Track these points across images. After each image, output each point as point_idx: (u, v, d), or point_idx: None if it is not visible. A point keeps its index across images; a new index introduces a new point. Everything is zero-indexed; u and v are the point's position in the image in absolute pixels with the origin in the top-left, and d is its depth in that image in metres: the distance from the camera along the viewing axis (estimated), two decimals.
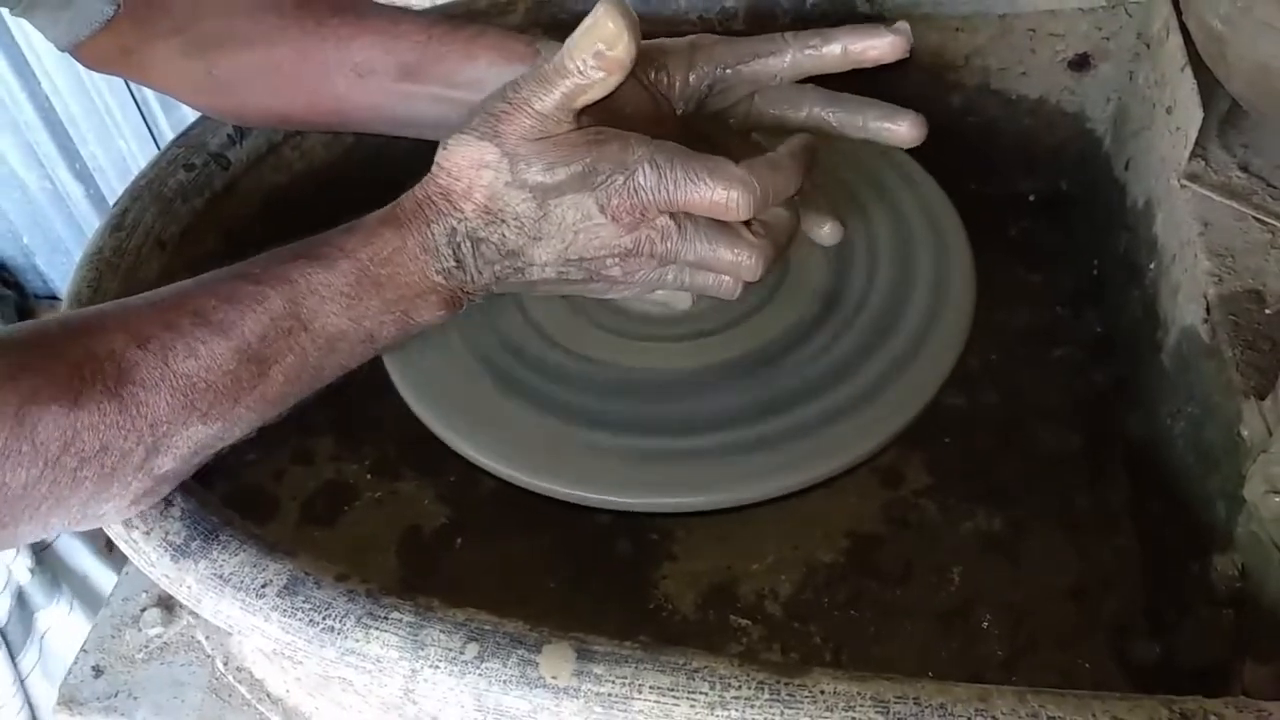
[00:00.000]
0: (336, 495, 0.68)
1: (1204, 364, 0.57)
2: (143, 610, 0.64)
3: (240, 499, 0.68)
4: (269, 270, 0.48)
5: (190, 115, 0.70)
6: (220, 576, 0.46)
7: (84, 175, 1.54)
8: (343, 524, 0.67)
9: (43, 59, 1.40)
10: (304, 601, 0.45)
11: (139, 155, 1.48)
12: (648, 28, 0.79)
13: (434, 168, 0.50)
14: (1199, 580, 0.54)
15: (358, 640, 0.44)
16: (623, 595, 0.62)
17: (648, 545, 0.64)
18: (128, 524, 0.48)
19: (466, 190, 0.49)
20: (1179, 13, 0.67)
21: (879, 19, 0.77)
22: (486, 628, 0.43)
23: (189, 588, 0.47)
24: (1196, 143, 0.63)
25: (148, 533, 0.48)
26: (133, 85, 1.43)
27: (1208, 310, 0.57)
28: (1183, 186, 0.63)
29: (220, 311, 0.46)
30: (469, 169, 0.49)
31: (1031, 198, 0.85)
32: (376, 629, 0.44)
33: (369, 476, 0.69)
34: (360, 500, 0.68)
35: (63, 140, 1.50)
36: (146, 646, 0.63)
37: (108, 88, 1.42)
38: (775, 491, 0.56)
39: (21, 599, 1.01)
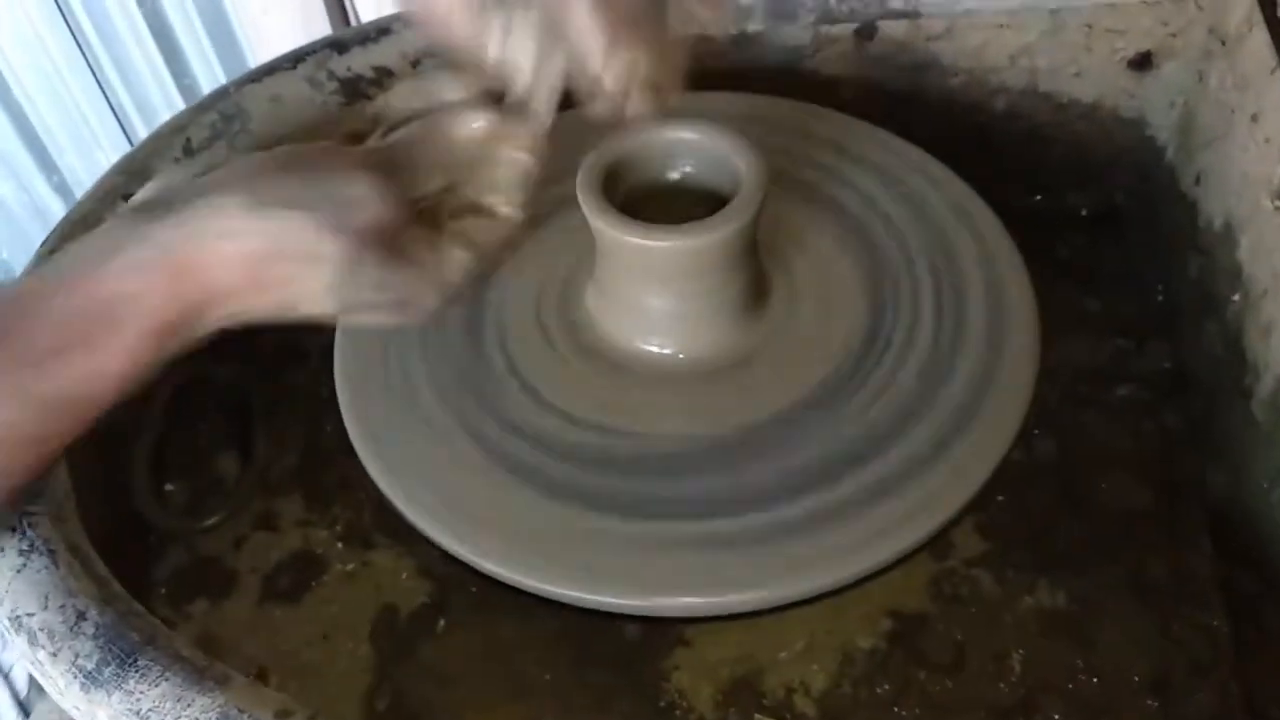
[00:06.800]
0: (303, 568, 0.60)
1: None
2: None
3: (196, 573, 0.60)
4: None
5: None
6: (137, 713, 0.38)
7: (62, 188, 1.48)
8: (309, 602, 0.59)
9: (15, 68, 1.34)
10: None
11: None
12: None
13: None
14: None
15: None
16: (629, 690, 0.54)
17: (658, 629, 0.56)
18: (33, 641, 0.40)
19: None
20: (1264, 5, 0.58)
21: (914, 15, 0.68)
22: None
23: None
24: None
25: (54, 654, 0.40)
26: (110, 94, 1.35)
27: None
28: (1277, 209, 0.55)
29: None
30: None
31: (1084, 213, 0.76)
32: None
33: (339, 545, 0.61)
34: (329, 574, 0.60)
35: (39, 152, 1.43)
36: None
37: (85, 97, 1.36)
38: (816, 590, 0.47)
39: None
